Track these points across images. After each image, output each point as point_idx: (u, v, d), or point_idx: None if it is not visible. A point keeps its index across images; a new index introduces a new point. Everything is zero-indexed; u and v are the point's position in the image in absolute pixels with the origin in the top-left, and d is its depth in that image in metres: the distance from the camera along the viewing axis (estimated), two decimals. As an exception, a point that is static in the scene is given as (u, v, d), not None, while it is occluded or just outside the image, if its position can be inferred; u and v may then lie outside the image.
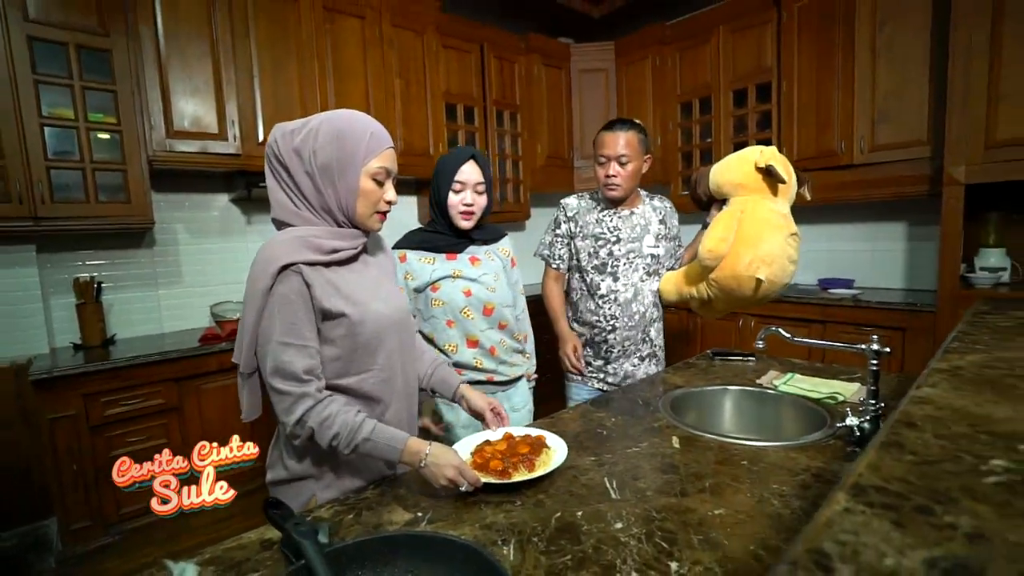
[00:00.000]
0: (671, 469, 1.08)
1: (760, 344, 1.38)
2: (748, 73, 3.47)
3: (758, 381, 1.59)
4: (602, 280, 1.86)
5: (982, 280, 2.63)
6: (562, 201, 1.96)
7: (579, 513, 0.93)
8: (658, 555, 0.80)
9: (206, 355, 2.48)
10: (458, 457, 1.01)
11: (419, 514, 0.95)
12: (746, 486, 0.99)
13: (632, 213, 1.89)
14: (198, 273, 2.97)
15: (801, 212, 3.70)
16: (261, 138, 2.76)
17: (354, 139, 1.06)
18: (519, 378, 1.71)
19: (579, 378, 1.95)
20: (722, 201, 1.74)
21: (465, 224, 1.57)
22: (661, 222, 1.91)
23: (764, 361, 1.83)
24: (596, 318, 1.87)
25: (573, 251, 1.92)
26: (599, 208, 1.90)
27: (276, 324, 1.01)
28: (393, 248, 1.60)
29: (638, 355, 1.91)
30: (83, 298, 2.49)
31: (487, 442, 1.15)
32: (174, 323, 2.90)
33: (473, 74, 3.68)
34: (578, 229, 1.89)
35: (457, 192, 1.54)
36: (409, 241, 1.63)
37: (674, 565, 0.77)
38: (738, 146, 3.58)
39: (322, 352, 1.07)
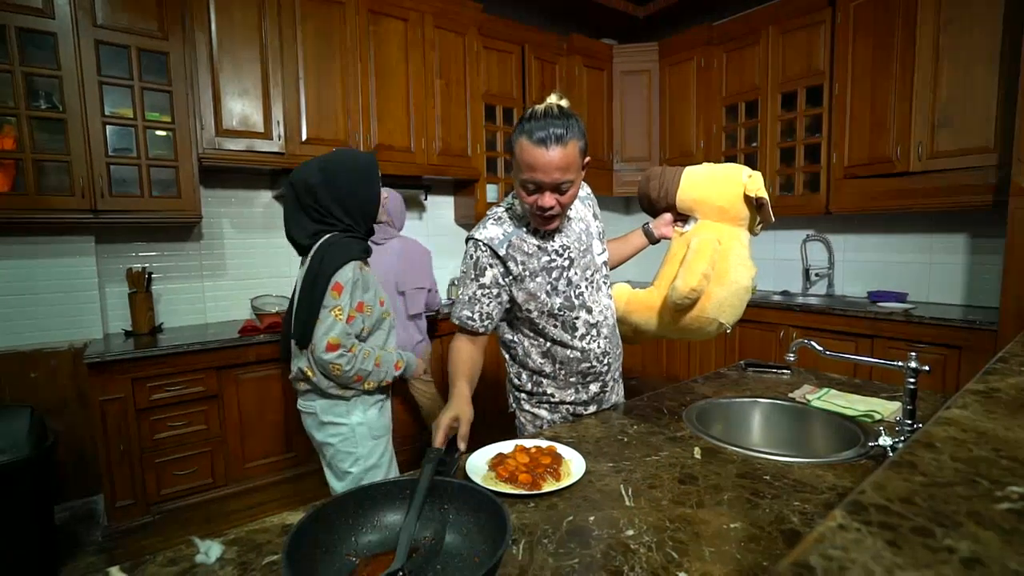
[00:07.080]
0: (690, 480, 1.04)
1: (791, 356, 1.32)
2: (798, 75, 3.34)
3: (790, 395, 1.52)
4: (576, 318, 1.40)
5: (1051, 297, 2.45)
6: (478, 237, 1.34)
7: (591, 518, 0.91)
8: (667, 564, 0.78)
9: (245, 346, 2.57)
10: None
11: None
12: (766, 501, 0.95)
13: (570, 220, 1.42)
14: (241, 266, 3.09)
15: (849, 220, 3.54)
16: (304, 137, 2.85)
17: None
18: None
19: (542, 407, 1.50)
20: (677, 213, 1.54)
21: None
22: (595, 216, 1.50)
23: (799, 374, 1.75)
24: (587, 364, 1.43)
25: (517, 298, 1.37)
26: (529, 227, 1.37)
27: None
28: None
29: (621, 379, 1.61)
30: (135, 287, 2.63)
31: (500, 454, 1.12)
32: (217, 314, 3.03)
33: (513, 75, 3.69)
34: (520, 268, 1.34)
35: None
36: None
37: (682, 575, 0.75)
38: (785, 151, 3.52)
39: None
